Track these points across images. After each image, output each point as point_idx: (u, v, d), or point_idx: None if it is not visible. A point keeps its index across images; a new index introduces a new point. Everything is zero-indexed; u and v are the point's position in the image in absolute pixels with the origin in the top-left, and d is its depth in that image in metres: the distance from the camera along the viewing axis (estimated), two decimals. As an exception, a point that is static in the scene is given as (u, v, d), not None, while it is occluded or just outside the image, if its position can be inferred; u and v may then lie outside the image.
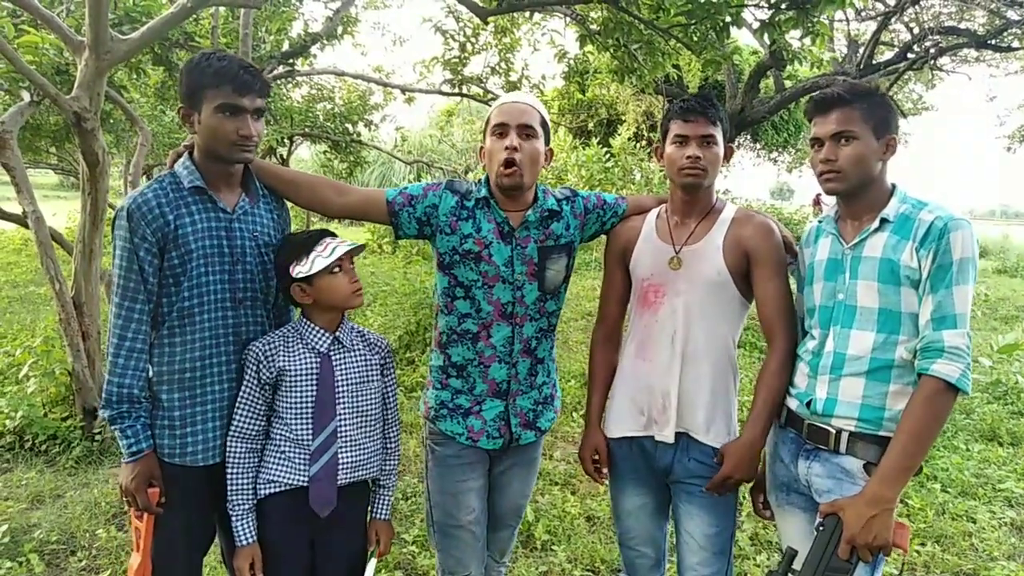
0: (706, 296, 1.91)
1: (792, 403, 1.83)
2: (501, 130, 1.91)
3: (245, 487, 1.79)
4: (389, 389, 1.98)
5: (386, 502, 1.98)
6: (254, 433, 1.80)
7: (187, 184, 1.77)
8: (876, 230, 1.69)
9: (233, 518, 1.78)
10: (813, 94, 1.81)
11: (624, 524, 2.08)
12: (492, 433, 2.00)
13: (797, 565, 1.64)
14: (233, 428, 1.79)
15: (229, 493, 1.78)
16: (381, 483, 1.97)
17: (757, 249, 1.89)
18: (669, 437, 1.92)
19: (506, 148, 1.87)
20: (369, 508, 1.98)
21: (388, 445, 1.97)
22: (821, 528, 1.64)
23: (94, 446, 3.98)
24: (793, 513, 1.86)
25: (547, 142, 1.99)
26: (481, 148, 2.00)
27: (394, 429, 2.00)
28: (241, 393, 1.80)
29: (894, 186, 1.75)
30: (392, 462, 1.99)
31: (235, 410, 1.79)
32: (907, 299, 1.64)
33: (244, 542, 1.78)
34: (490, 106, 2.17)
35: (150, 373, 1.80)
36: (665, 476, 1.98)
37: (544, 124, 1.96)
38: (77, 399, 4.06)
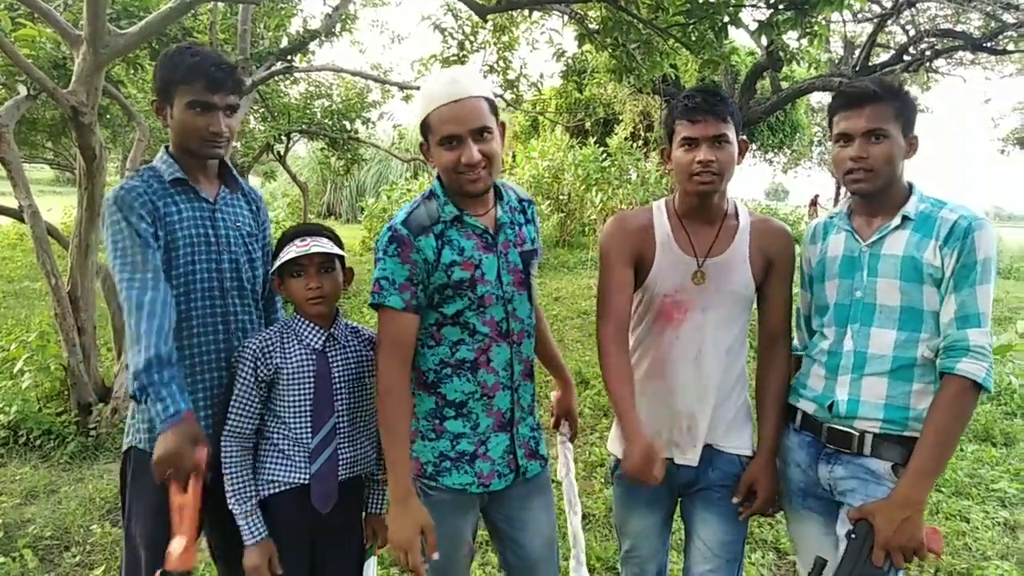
0: (731, 309, 1.81)
1: (808, 406, 1.77)
2: (452, 141, 1.59)
3: (246, 485, 1.75)
4: None
5: (382, 497, 1.97)
6: (249, 431, 1.78)
7: (168, 176, 1.77)
8: (896, 228, 1.66)
9: (239, 516, 1.72)
10: (842, 88, 1.73)
11: (631, 543, 1.97)
12: (502, 471, 1.76)
13: (828, 573, 1.59)
14: (228, 428, 1.76)
15: (230, 494, 1.73)
16: (376, 478, 1.96)
17: (779, 256, 1.82)
18: (693, 460, 1.82)
19: (465, 165, 1.59)
20: (364, 504, 1.97)
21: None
22: (853, 536, 1.59)
23: (88, 441, 3.97)
24: (810, 518, 1.80)
25: (497, 117, 1.66)
26: (422, 145, 1.70)
27: None
28: (236, 392, 1.77)
29: (911, 184, 1.72)
30: None
31: (230, 409, 1.76)
32: (929, 297, 1.62)
33: (256, 539, 1.73)
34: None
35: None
36: (685, 489, 1.89)
37: (494, 108, 1.65)
38: (72, 394, 4.05)
